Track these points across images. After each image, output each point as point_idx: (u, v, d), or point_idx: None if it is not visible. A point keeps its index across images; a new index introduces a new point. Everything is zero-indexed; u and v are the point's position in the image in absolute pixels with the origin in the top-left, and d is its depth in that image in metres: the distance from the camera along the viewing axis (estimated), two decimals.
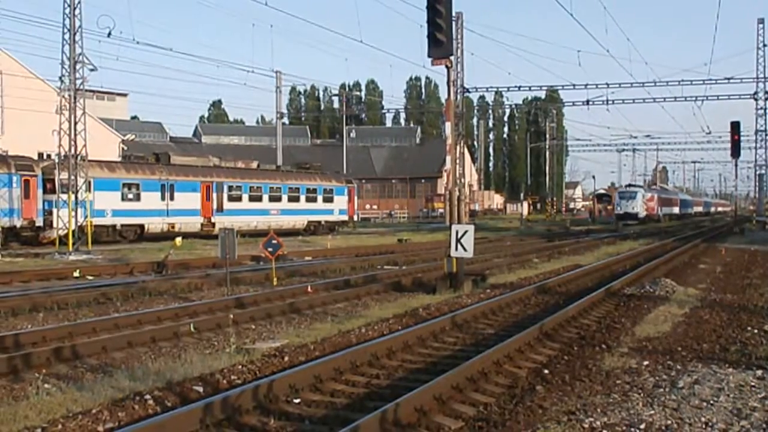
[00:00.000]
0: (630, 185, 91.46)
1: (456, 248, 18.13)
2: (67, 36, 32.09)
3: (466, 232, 18.14)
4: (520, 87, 53.67)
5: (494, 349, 10.55)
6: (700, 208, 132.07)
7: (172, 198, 42.50)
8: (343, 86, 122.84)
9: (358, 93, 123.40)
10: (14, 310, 15.24)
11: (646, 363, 10.33)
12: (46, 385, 9.12)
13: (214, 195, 45.30)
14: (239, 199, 46.99)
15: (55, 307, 15.93)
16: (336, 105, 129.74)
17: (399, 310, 15.46)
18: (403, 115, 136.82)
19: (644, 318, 14.46)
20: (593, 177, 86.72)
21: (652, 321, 14.05)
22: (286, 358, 10.70)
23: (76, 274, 22.54)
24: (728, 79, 51.21)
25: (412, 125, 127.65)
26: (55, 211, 34.52)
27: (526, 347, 11.31)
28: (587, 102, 53.94)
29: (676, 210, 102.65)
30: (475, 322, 14.05)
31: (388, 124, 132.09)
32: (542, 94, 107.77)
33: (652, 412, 7.93)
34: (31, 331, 12.79)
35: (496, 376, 9.70)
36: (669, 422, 7.59)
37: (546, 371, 9.92)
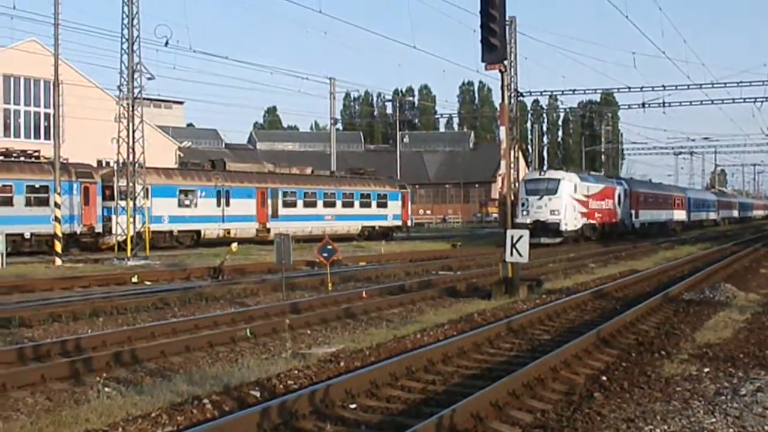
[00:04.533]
0: (550, 169, 55.38)
1: (511, 253, 18.01)
2: (125, 46, 32.68)
3: (521, 236, 18.01)
4: (574, 90, 53.19)
5: (551, 354, 10.44)
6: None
7: (227, 204, 42.93)
8: (396, 92, 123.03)
9: (411, 98, 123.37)
10: (75, 315, 15.53)
11: (706, 370, 10.13)
12: (106, 389, 9.26)
13: (269, 201, 45.64)
14: (294, 204, 47.28)
15: (115, 312, 16.20)
16: (389, 110, 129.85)
17: (454, 316, 15.40)
18: (456, 120, 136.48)
19: (704, 324, 14.20)
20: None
21: (713, 327, 13.79)
22: (342, 364, 10.72)
23: (135, 279, 22.89)
24: None
25: (465, 130, 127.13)
26: (113, 217, 35.12)
27: (583, 353, 11.17)
28: (643, 104, 53.18)
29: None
30: (531, 327, 13.94)
31: (442, 129, 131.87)
32: (597, 97, 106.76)
33: (714, 420, 7.77)
34: (92, 336, 13.02)
35: (553, 382, 9.60)
36: (731, 431, 7.43)
37: (604, 378, 9.79)
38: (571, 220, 43.14)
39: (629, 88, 51.57)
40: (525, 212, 42.57)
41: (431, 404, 8.64)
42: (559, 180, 43.20)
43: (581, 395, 8.92)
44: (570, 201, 43.27)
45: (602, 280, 22.86)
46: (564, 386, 9.43)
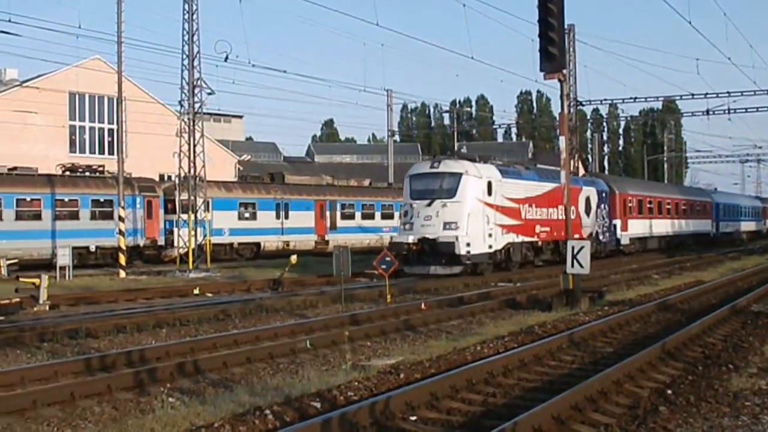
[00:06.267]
0: (447, 157, 30.83)
1: (572, 264, 17.80)
2: (186, 62, 33.23)
3: (582, 247, 17.80)
4: (635, 98, 52.30)
5: (614, 368, 10.27)
6: None
7: (287, 217, 43.29)
8: (453, 102, 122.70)
9: (468, 109, 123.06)
10: (139, 326, 15.79)
11: None
12: (170, 399, 9.39)
13: (328, 213, 45.90)
14: (352, 217, 47.45)
15: (177, 324, 16.42)
16: (446, 121, 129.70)
17: (514, 328, 15.26)
18: (514, 130, 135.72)
19: None
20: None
21: None
22: (402, 375, 10.69)
23: (196, 291, 23.19)
24: None
25: (523, 140, 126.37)
26: (175, 230, 35.64)
27: (647, 366, 10.96)
28: (707, 112, 52.17)
29: None
30: (593, 340, 13.74)
31: (500, 139, 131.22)
32: (659, 105, 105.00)
33: None
34: (155, 347, 13.22)
35: (617, 395, 9.44)
36: None
37: (669, 391, 9.59)
38: (477, 237, 27.18)
39: (692, 95, 50.70)
40: (407, 225, 27.71)
41: (492, 417, 8.56)
42: (459, 175, 27.65)
43: (646, 409, 8.75)
44: (478, 208, 27.56)
45: (666, 291, 22.45)
46: (628, 400, 9.26)
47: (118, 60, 31.47)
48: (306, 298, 20.42)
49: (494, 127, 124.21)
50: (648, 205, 44.83)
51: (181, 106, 34.23)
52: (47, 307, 19.45)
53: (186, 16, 33.28)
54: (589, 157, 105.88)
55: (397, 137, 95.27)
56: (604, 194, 38.68)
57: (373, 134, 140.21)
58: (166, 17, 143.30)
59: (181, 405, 9.15)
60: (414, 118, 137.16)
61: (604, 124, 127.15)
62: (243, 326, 16.23)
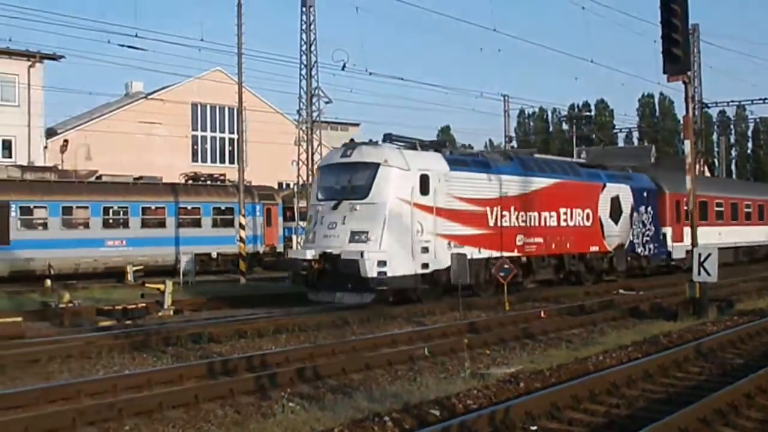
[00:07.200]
0: (362, 143, 21.55)
1: (699, 272, 17.19)
2: (304, 71, 33.84)
3: (709, 255, 17.17)
4: (765, 99, 50.23)
5: (745, 380, 9.86)
6: None
7: None
8: (571, 107, 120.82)
9: (587, 113, 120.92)
10: (260, 332, 16.11)
11: None
12: (290, 404, 9.52)
13: None
14: None
15: (296, 329, 16.67)
16: (565, 126, 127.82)
17: (638, 337, 14.81)
18: (635, 134, 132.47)
19: None
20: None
21: None
22: (521, 384, 10.53)
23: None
24: None
25: (646, 144, 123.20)
26: (294, 237, 36.24)
27: None
28: None
29: None
30: (722, 351, 13.20)
31: (620, 143, 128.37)
32: None
33: None
34: (276, 352, 13.45)
35: (748, 409, 9.03)
36: None
37: None
38: (400, 253, 19.42)
39: None
40: (310, 235, 20.71)
41: (615, 429, 8.37)
42: (375, 166, 19.91)
43: None
44: (402, 212, 19.74)
45: None
46: (759, 414, 8.85)
47: (238, 71, 32.30)
48: (423, 306, 20.36)
49: (615, 131, 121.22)
50: (716, 209, 35.51)
51: (300, 115, 34.92)
52: (171, 312, 20.09)
53: (304, 27, 33.93)
54: (716, 161, 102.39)
55: (514, 143, 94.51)
56: (645, 194, 30.07)
57: (490, 140, 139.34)
58: (285, 28, 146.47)
59: (301, 410, 9.26)
60: (531, 124, 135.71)
61: (731, 126, 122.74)
62: (361, 333, 16.33)
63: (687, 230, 29.21)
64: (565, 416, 8.88)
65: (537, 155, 27.98)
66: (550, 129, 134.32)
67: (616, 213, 27.85)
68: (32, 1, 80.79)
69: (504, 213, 22.75)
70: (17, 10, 54.21)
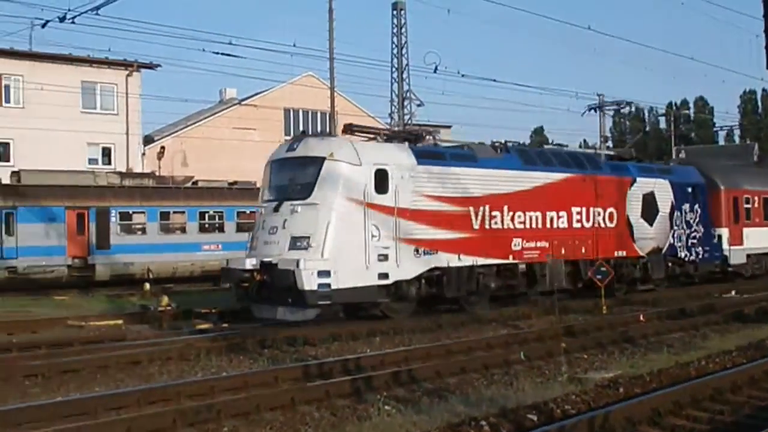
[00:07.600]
0: (309, 135, 19.57)
1: None
2: (395, 74, 34.02)
3: None
4: None
5: None
6: None
7: None
8: (669, 105, 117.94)
9: (686, 111, 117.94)
10: (354, 335, 16.18)
11: None
12: (386, 407, 9.52)
13: None
14: None
15: (391, 333, 16.69)
16: (662, 125, 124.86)
17: (742, 342, 14.33)
18: (737, 132, 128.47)
19: None
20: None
21: None
22: (621, 390, 10.31)
23: None
24: None
25: (748, 142, 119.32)
26: None
27: None
28: None
29: None
30: None
31: (721, 142, 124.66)
32: None
33: None
34: (371, 355, 13.49)
35: None
36: None
37: None
38: (350, 262, 16.78)
39: None
40: (253, 242, 18.19)
41: None
42: (320, 161, 17.40)
43: None
44: (352, 213, 17.18)
45: None
46: None
47: (330, 75, 32.64)
48: (518, 309, 20.13)
49: (715, 129, 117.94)
50: None
51: (391, 118, 35.06)
52: None
53: (395, 30, 34.10)
54: None
55: (609, 143, 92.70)
56: (691, 189, 26.20)
57: (585, 140, 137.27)
58: (376, 32, 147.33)
59: (396, 413, 9.26)
60: (627, 123, 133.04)
61: None
62: (456, 336, 16.24)
63: (749, 231, 28.32)
64: (668, 422, 8.66)
65: (547, 146, 26.03)
66: (647, 128, 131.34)
67: (650, 212, 24.32)
68: (129, 12, 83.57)
69: (494, 213, 19.81)
70: (115, 21, 55.80)
